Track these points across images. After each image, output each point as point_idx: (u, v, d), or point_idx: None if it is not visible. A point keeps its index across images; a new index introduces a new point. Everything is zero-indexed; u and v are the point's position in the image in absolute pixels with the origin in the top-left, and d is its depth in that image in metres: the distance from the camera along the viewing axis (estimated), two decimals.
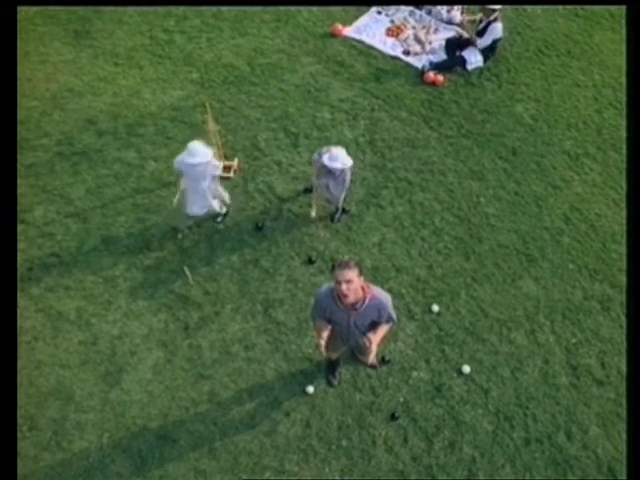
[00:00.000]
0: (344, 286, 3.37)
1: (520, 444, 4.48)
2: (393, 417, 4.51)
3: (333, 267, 3.51)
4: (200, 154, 4.83)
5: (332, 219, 5.61)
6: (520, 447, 4.47)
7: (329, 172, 5.11)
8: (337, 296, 3.55)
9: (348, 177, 5.22)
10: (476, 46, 6.92)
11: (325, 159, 5.03)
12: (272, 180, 5.90)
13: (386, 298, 3.67)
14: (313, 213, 5.61)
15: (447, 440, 4.47)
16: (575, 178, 6.15)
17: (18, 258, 5.17)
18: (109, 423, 4.41)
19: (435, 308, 5.07)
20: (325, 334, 3.81)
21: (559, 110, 6.76)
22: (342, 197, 5.39)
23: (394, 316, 3.80)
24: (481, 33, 6.87)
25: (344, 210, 5.63)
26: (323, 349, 3.89)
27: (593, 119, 6.67)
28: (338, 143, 6.20)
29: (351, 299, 3.48)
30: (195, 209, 5.20)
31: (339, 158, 5.03)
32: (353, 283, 3.39)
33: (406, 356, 4.84)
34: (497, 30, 6.79)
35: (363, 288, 3.53)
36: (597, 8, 7.91)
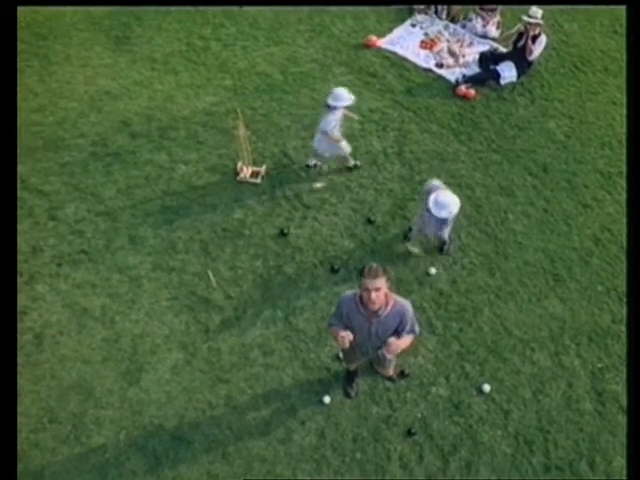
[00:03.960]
0: (373, 295, 3.38)
1: (539, 470, 4.35)
2: (409, 433, 4.45)
3: (361, 272, 3.43)
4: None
5: (441, 250, 5.43)
6: (539, 473, 4.33)
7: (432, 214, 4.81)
8: (360, 302, 3.55)
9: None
10: (528, 60, 6.88)
11: (431, 204, 4.75)
12: (299, 188, 5.93)
13: (408, 306, 3.64)
14: (415, 249, 5.40)
15: (463, 460, 4.37)
16: (607, 198, 6.00)
17: (48, 253, 5.33)
18: (126, 421, 4.47)
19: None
20: (344, 332, 3.58)
21: (593, 128, 6.62)
22: (447, 233, 5.19)
23: (416, 327, 3.74)
24: (523, 47, 6.79)
25: (450, 240, 5.35)
26: (347, 340, 3.55)
27: None
28: (367, 154, 6.24)
29: (377, 306, 3.49)
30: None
31: (446, 206, 4.74)
32: (381, 291, 3.41)
33: (425, 371, 4.77)
34: (545, 41, 6.82)
35: (386, 295, 3.51)
36: (598, 9, 7.85)
